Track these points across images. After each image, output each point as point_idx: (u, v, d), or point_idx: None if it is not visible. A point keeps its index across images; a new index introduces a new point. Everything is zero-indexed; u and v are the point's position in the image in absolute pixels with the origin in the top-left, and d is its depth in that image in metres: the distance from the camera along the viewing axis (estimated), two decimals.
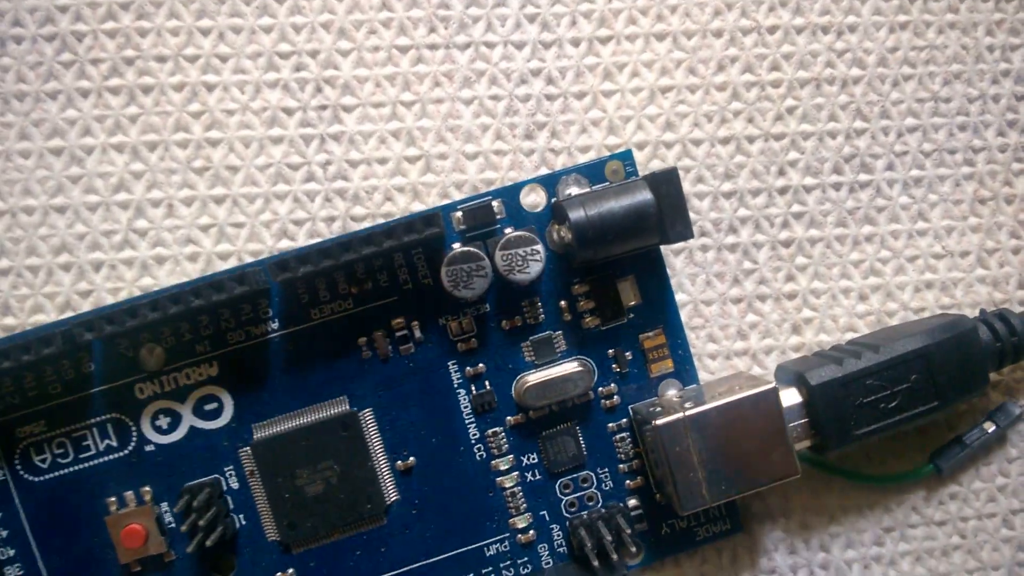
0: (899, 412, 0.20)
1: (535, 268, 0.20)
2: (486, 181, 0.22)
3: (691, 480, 0.19)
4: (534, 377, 0.21)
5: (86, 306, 0.21)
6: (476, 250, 0.20)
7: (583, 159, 0.22)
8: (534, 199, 0.21)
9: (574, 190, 0.21)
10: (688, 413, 0.19)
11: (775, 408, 0.20)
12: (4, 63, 0.21)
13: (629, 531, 0.21)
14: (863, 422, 0.20)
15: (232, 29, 0.22)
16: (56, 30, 0.21)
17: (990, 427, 0.22)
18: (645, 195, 0.20)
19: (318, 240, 0.21)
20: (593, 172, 0.21)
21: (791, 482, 0.22)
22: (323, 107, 0.22)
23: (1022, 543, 0.23)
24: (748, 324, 0.23)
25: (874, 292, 0.23)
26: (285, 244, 0.22)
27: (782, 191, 0.23)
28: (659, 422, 0.19)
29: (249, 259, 0.21)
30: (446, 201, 0.22)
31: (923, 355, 0.20)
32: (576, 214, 0.20)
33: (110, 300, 0.21)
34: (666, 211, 0.19)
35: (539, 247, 0.20)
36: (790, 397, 0.20)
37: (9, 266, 0.21)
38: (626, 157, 0.21)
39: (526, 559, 0.21)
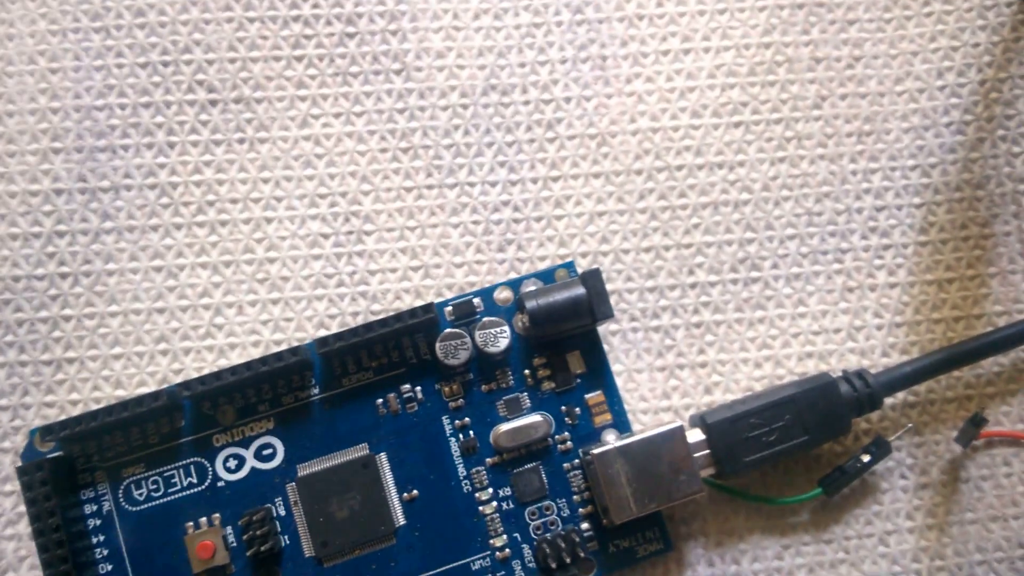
0: (777, 444, 0.29)
1: (503, 343, 0.30)
2: (469, 283, 0.32)
3: (621, 496, 0.28)
4: (506, 427, 0.30)
5: (179, 380, 0.30)
6: (460, 330, 0.30)
7: (541, 266, 0.32)
8: (504, 296, 0.31)
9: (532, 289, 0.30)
10: (616, 444, 0.28)
11: (682, 441, 0.28)
12: (118, 204, 0.32)
13: (583, 553, 0.29)
14: (750, 452, 0.29)
15: (285, 178, 0.32)
16: (156, 181, 0.32)
17: (866, 457, 0.30)
18: (579, 289, 0.29)
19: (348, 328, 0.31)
20: (547, 276, 0.31)
21: (709, 508, 0.31)
22: (350, 232, 0.32)
23: (895, 558, 0.31)
24: (670, 387, 0.32)
25: (766, 361, 0.32)
26: (322, 333, 0.31)
27: (692, 286, 0.32)
28: (595, 451, 0.28)
29: (297, 344, 0.31)
30: (440, 299, 0.31)
31: (792, 400, 0.29)
32: (531, 303, 0.29)
33: (197, 376, 0.30)
34: (594, 298, 0.29)
35: (506, 328, 0.30)
36: (695, 435, 0.29)
37: (122, 352, 0.31)
38: (570, 266, 0.31)
39: (503, 572, 0.29)
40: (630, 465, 0.28)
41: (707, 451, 0.29)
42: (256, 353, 0.31)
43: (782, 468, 0.31)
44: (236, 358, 0.31)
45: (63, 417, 0.30)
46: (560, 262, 0.31)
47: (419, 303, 0.31)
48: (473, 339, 0.30)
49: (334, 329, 0.31)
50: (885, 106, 0.34)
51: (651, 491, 0.28)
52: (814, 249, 0.33)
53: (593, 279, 0.29)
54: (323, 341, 0.29)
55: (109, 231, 0.31)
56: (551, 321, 0.29)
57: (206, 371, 0.30)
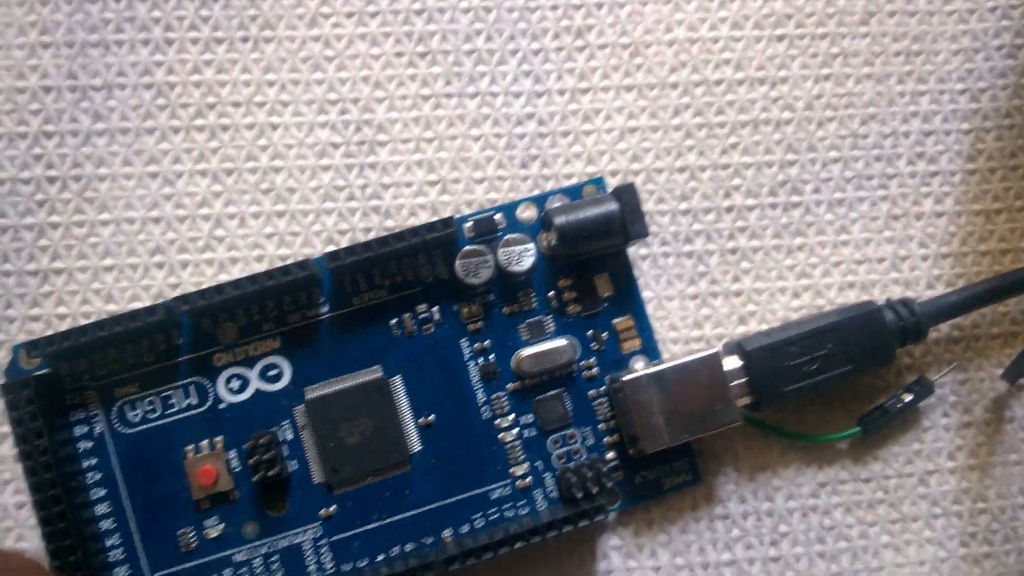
0: (819, 374, 0.28)
1: (528, 262, 0.29)
2: (490, 200, 0.31)
3: (652, 424, 0.28)
4: (529, 351, 0.29)
5: (176, 295, 0.30)
6: (482, 247, 0.29)
7: (567, 184, 0.31)
8: (528, 214, 0.30)
9: (560, 205, 0.30)
10: (649, 371, 0.28)
11: (718, 368, 0.28)
12: (111, 105, 0.31)
13: (609, 483, 0.29)
14: (790, 381, 0.28)
15: (291, 82, 0.31)
16: (152, 80, 0.31)
17: (907, 396, 0.30)
18: (612, 204, 0.28)
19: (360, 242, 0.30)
20: (574, 193, 0.30)
21: (741, 442, 0.30)
22: (362, 142, 0.31)
23: (936, 499, 0.31)
24: (702, 316, 0.31)
25: (805, 291, 0.31)
26: (332, 248, 0.30)
27: (728, 210, 0.32)
28: (626, 378, 0.28)
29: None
30: (459, 216, 0.31)
31: (835, 328, 0.29)
32: (559, 219, 0.28)
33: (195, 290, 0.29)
34: (627, 215, 0.28)
35: (531, 245, 0.29)
36: (731, 362, 0.28)
37: (113, 263, 0.30)
38: (599, 182, 0.30)
39: (524, 501, 0.29)
40: (663, 393, 0.28)
41: (744, 380, 0.28)
42: (259, 268, 0.30)
43: (820, 403, 0.31)
44: (238, 273, 0.30)
45: (50, 332, 0.29)
46: (587, 179, 0.31)
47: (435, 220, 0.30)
48: (496, 257, 0.29)
49: (344, 245, 0.30)
50: (934, 26, 0.33)
51: (684, 420, 0.28)
52: (858, 174, 0.32)
53: (627, 194, 0.28)
54: (333, 255, 0.28)
55: (101, 133, 0.30)
56: (580, 239, 0.28)
57: (205, 286, 0.29)
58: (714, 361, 0.28)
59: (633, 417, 0.28)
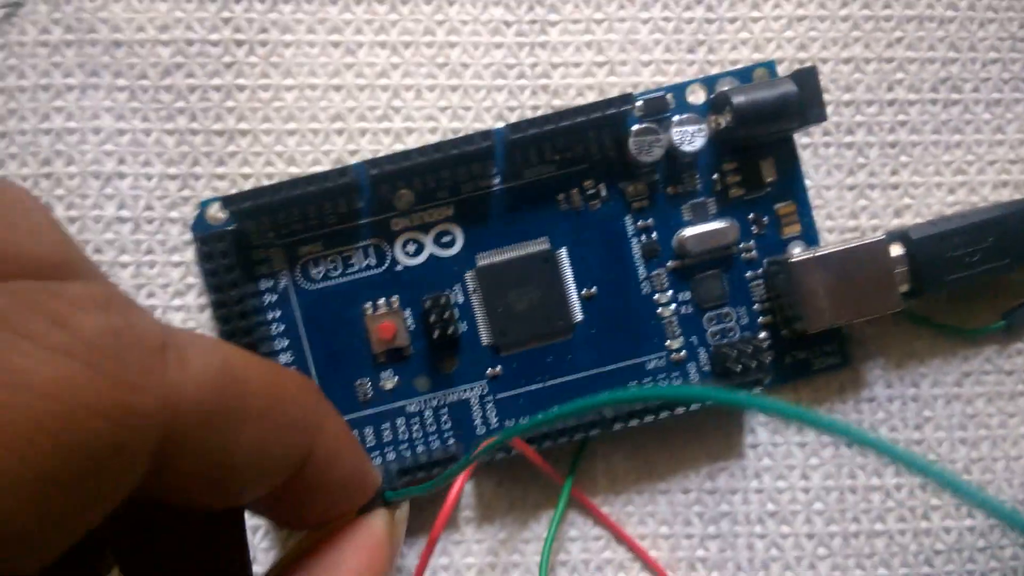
0: (979, 265, 0.29)
1: (699, 142, 0.30)
2: (656, 83, 0.32)
3: (817, 305, 0.29)
4: (690, 231, 0.30)
5: (354, 161, 0.31)
6: (655, 125, 0.30)
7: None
8: (696, 97, 0.31)
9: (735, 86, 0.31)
10: (816, 253, 0.29)
11: (884, 254, 0.29)
12: None
13: (758, 360, 0.30)
14: (952, 271, 0.29)
15: None
16: None
17: None
18: (790, 87, 0.29)
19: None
20: (744, 76, 0.31)
21: (889, 331, 0.31)
22: (534, 21, 0.32)
23: None
24: (859, 207, 0.32)
25: (960, 187, 0.32)
26: (500, 125, 0.31)
27: (890, 103, 0.32)
28: (794, 259, 0.29)
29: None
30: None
31: (995, 222, 0.29)
32: (737, 99, 0.29)
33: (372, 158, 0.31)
34: (806, 99, 0.29)
35: (703, 126, 0.30)
36: (895, 249, 0.29)
37: (296, 128, 0.31)
38: (771, 65, 0.31)
39: (678, 373, 0.31)
40: (828, 275, 0.29)
41: (906, 267, 0.29)
42: (433, 139, 0.31)
43: (966, 297, 0.31)
44: (412, 143, 0.31)
45: (236, 190, 0.31)
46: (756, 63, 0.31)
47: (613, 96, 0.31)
48: (668, 136, 0.30)
49: (513, 121, 0.31)
50: None
51: (847, 303, 0.29)
52: (1015, 75, 0.32)
53: (807, 77, 0.29)
54: (516, 126, 0.29)
55: (287, 0, 0.31)
56: (757, 120, 0.29)
57: (382, 154, 0.30)
58: (880, 247, 0.29)
59: (797, 297, 0.29)
